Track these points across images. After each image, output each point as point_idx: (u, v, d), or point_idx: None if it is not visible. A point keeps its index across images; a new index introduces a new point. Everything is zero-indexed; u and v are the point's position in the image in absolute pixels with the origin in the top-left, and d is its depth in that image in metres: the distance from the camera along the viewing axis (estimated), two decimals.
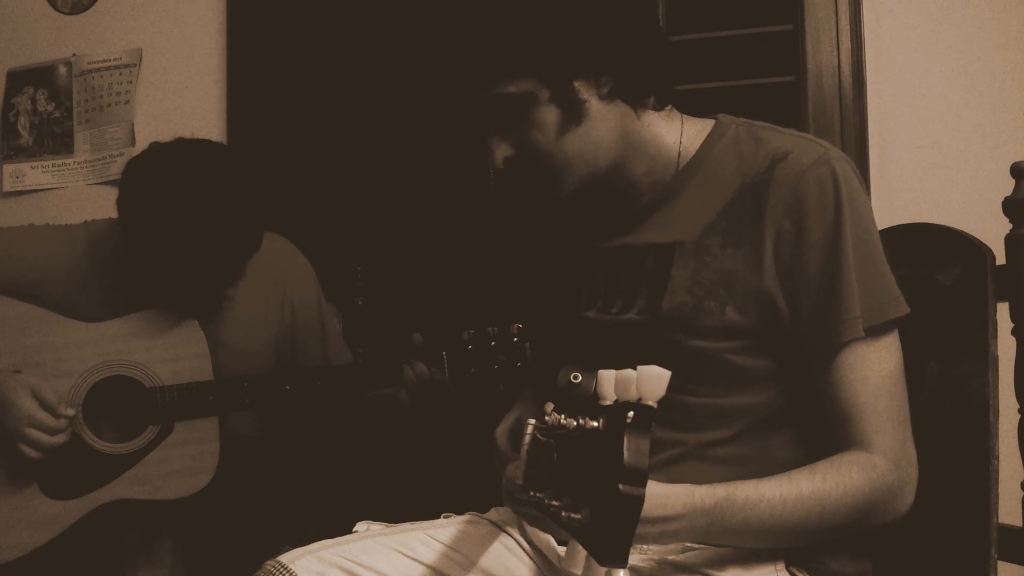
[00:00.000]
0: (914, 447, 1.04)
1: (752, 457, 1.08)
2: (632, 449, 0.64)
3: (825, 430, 1.06)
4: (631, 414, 0.66)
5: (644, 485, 0.64)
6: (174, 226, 1.41)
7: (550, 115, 1.07)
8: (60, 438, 1.48)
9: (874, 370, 1.03)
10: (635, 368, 0.69)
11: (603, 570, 0.69)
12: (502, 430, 1.30)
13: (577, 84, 1.07)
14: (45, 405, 1.47)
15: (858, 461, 1.01)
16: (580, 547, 0.73)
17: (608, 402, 0.71)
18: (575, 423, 0.71)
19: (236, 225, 1.45)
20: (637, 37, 1.11)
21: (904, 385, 1.06)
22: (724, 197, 1.10)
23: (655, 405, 0.67)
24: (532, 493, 0.76)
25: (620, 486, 0.63)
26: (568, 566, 0.76)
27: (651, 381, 0.67)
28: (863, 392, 1.03)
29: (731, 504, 0.95)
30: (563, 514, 0.70)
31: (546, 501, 0.73)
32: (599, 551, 0.66)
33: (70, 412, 1.49)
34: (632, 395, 0.68)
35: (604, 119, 1.09)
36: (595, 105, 1.08)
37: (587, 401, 0.75)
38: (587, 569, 0.72)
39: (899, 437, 1.03)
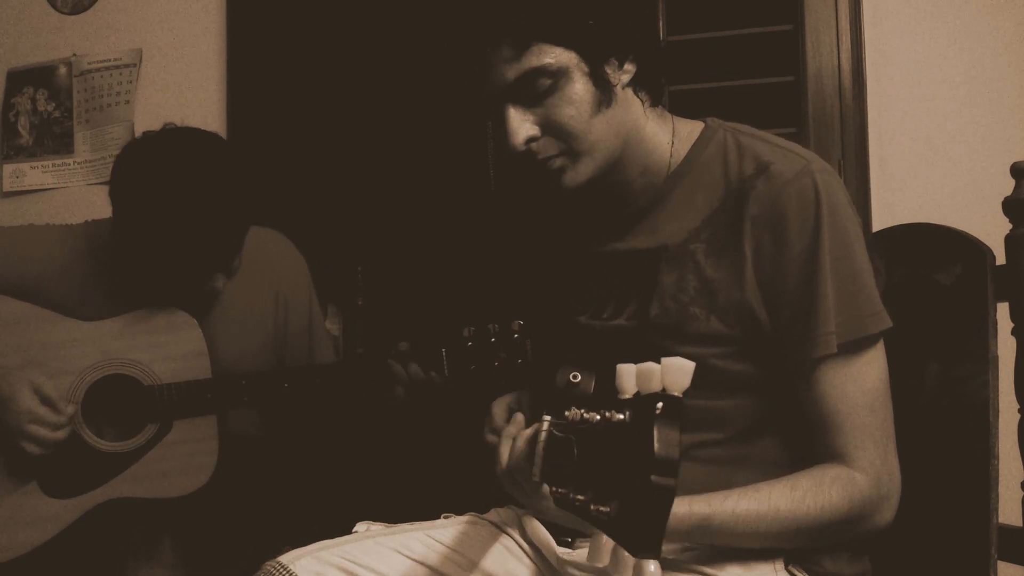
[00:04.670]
0: (897, 463, 1.03)
1: (742, 458, 1.08)
2: (662, 440, 0.64)
3: (806, 441, 1.05)
4: (660, 405, 0.65)
5: (676, 475, 0.63)
6: (162, 212, 1.40)
7: (586, 92, 1.05)
8: (61, 434, 1.48)
9: (854, 385, 1.03)
10: (657, 361, 0.69)
11: (631, 562, 0.69)
12: (500, 401, 1.30)
13: (606, 67, 1.06)
14: (46, 401, 1.47)
15: (839, 478, 1.00)
16: (605, 540, 0.73)
17: (628, 396, 0.70)
18: (599, 417, 0.71)
19: (223, 211, 1.44)
20: (654, 29, 1.11)
21: (888, 400, 1.05)
22: (709, 204, 1.09)
23: (681, 396, 0.67)
24: (554, 489, 0.75)
25: (652, 477, 0.63)
26: (593, 560, 0.76)
27: (676, 372, 0.67)
28: (843, 407, 1.02)
29: (706, 527, 0.96)
30: (591, 507, 0.69)
31: (571, 496, 0.72)
32: (632, 543, 0.66)
33: (71, 408, 1.49)
34: (656, 387, 0.67)
35: (624, 107, 1.09)
36: (619, 91, 1.08)
37: (587, 400, 0.75)
38: (615, 561, 0.71)
39: (880, 452, 1.02)
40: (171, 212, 1.40)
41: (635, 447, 0.65)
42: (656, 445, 0.63)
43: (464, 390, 1.51)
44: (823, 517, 0.99)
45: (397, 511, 1.27)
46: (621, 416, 0.68)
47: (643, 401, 0.67)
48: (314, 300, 1.76)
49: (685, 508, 0.96)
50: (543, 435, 0.80)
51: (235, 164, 1.49)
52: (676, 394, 0.66)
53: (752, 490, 1.00)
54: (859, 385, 1.03)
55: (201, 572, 1.59)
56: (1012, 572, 1.13)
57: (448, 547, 1.17)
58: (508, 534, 1.20)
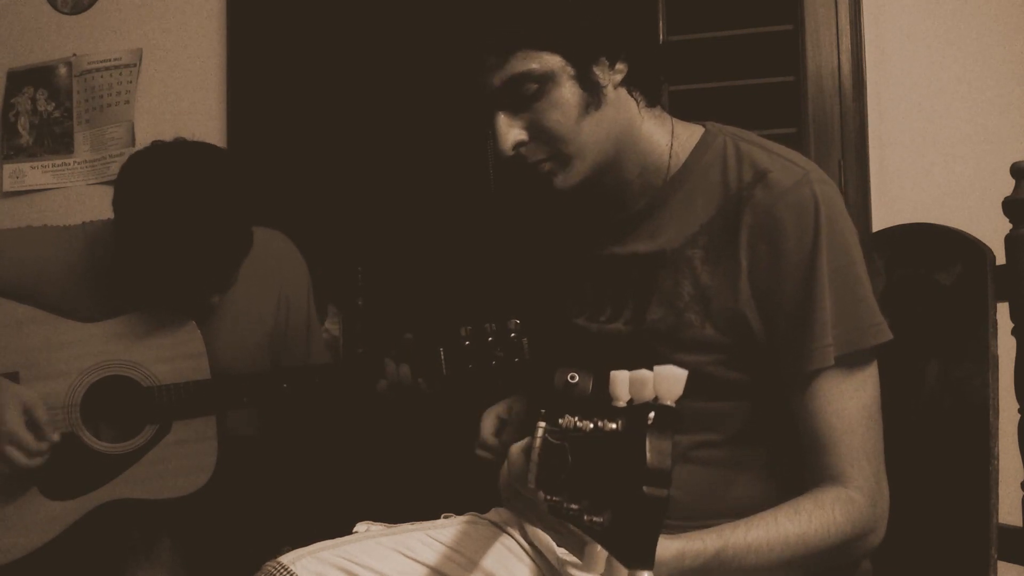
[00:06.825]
0: (887, 483, 1.03)
1: (741, 461, 1.08)
2: (654, 450, 0.63)
3: (800, 453, 1.05)
4: (652, 415, 0.65)
5: (667, 486, 0.63)
6: (164, 227, 1.41)
7: (572, 96, 1.05)
8: (37, 460, 1.46)
9: (850, 402, 1.02)
10: (650, 368, 0.69)
11: (625, 574, 0.69)
12: (490, 413, 1.30)
13: (595, 68, 1.06)
14: (32, 425, 1.46)
15: (840, 498, 0.99)
16: (599, 550, 0.73)
17: (622, 403, 0.70)
18: (592, 425, 0.71)
19: (226, 232, 1.45)
20: (647, 28, 1.10)
21: (880, 417, 1.04)
22: (707, 211, 1.08)
23: (674, 405, 0.67)
24: (548, 497, 0.75)
25: (644, 488, 0.63)
26: (588, 569, 0.76)
27: (669, 381, 0.67)
28: (839, 424, 1.01)
29: (720, 561, 0.94)
30: (585, 517, 0.69)
31: (564, 504, 0.72)
32: (624, 554, 0.65)
33: (55, 438, 1.47)
34: (648, 395, 0.67)
35: (616, 107, 1.09)
36: (610, 92, 1.08)
37: (586, 402, 0.75)
38: (609, 571, 0.71)
39: (874, 471, 1.01)
40: (170, 228, 1.41)
41: (628, 457, 0.65)
42: (648, 456, 0.63)
43: (462, 389, 1.51)
44: (829, 538, 0.97)
45: (397, 511, 1.27)
46: (614, 425, 0.68)
47: (636, 411, 0.67)
48: (312, 300, 1.76)
49: (699, 544, 0.93)
50: (538, 441, 0.80)
51: (239, 184, 1.49)
52: (669, 403, 0.66)
53: (758, 519, 0.98)
54: (855, 402, 1.02)
55: (201, 572, 1.59)
56: (1012, 572, 1.13)
57: (448, 547, 1.17)
58: (508, 534, 1.20)
